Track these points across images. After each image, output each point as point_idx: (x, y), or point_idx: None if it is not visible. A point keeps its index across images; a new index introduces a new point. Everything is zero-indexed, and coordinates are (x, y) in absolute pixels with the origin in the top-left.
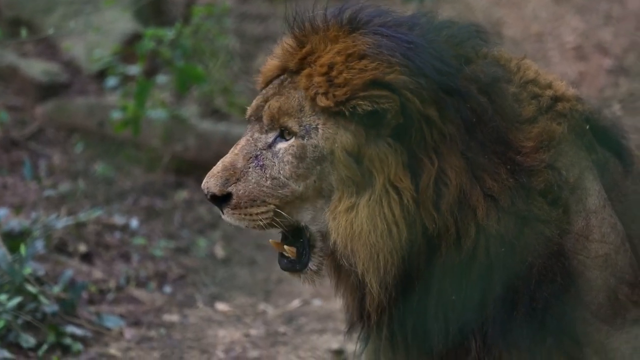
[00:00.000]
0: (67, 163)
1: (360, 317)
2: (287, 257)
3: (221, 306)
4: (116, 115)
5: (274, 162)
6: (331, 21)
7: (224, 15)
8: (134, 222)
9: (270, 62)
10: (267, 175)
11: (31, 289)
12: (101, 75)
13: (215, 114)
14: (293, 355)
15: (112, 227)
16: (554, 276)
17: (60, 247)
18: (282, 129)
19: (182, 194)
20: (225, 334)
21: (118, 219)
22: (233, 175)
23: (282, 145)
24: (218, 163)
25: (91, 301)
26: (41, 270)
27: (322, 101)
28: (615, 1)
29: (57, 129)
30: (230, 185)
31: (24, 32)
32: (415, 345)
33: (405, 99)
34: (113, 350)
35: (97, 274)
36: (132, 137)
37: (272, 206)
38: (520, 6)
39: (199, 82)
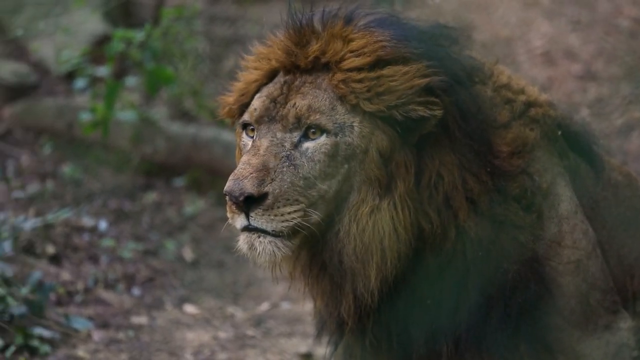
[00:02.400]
0: (36, 164)
1: (340, 320)
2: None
3: (190, 309)
4: (85, 116)
5: (303, 162)
6: (333, 19)
7: (194, 17)
8: (103, 224)
9: (258, 64)
10: (300, 175)
11: None
12: (70, 76)
13: (185, 116)
14: (261, 359)
15: (80, 229)
16: (527, 282)
17: (28, 249)
18: (312, 127)
19: (151, 196)
20: (194, 337)
21: (87, 221)
22: (267, 175)
23: (310, 144)
24: (242, 166)
25: (59, 303)
26: (9, 271)
27: (368, 106)
28: (584, 7)
29: (26, 130)
30: (266, 186)
31: None
32: (393, 348)
33: (445, 104)
34: (81, 352)
35: (66, 275)
36: (101, 138)
37: (302, 205)
38: (489, 11)
39: (168, 84)
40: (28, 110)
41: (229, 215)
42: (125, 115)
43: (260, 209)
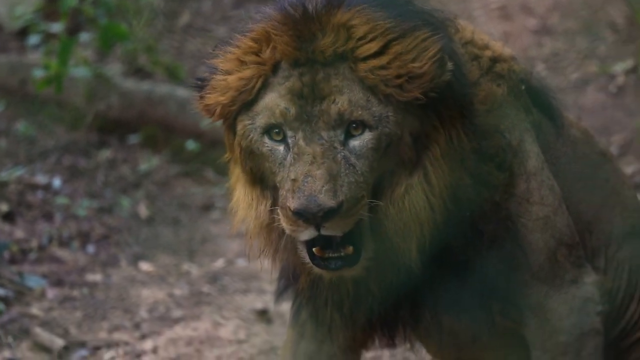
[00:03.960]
0: None
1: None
2: (337, 257)
3: (145, 266)
4: (38, 73)
5: (356, 160)
6: (326, 6)
7: None
8: (57, 182)
9: (253, 58)
10: (359, 172)
11: None
12: (23, 33)
13: (139, 72)
14: (217, 315)
15: (34, 187)
16: (503, 242)
17: None
18: (355, 122)
19: (106, 153)
20: (149, 294)
21: (40, 178)
22: (336, 182)
23: (356, 142)
24: (306, 179)
25: (13, 261)
26: None
27: (403, 96)
28: None
29: None
30: (339, 194)
31: None
32: (375, 312)
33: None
34: (35, 310)
35: (19, 233)
36: (54, 95)
37: (365, 199)
38: None
39: (123, 40)
40: None
41: (289, 228)
42: (79, 71)
43: (337, 217)
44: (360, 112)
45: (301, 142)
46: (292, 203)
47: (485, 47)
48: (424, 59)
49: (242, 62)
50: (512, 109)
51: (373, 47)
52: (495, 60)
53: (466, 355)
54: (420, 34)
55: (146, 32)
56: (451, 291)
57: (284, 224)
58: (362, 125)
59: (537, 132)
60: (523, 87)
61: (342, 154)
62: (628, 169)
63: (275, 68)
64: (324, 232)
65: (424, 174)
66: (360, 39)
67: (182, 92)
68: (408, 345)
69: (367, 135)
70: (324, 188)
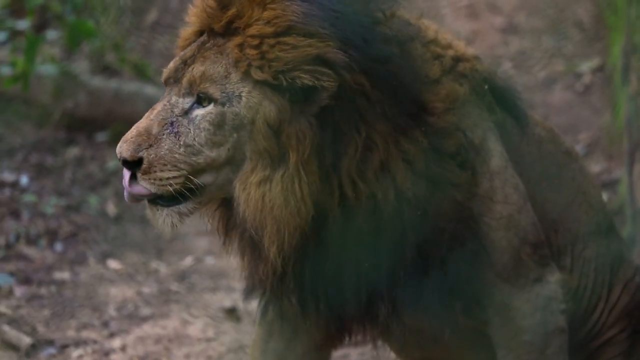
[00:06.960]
0: None
1: (259, 282)
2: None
3: (113, 264)
4: (5, 70)
5: (190, 129)
6: None
7: None
8: (24, 179)
9: (187, 27)
10: (181, 143)
11: None
12: None
13: (107, 70)
14: (186, 314)
15: (1, 184)
16: (464, 240)
17: None
18: (201, 94)
19: (73, 151)
20: (117, 292)
21: (7, 176)
22: (146, 140)
23: (199, 112)
24: (133, 128)
25: None
26: None
27: (258, 74)
28: None
29: None
30: (142, 151)
31: None
32: (321, 311)
33: (343, 79)
34: (3, 308)
35: None
36: (21, 93)
37: (184, 172)
38: None
39: (90, 38)
40: None
41: None
42: (46, 69)
43: (139, 172)
44: (207, 85)
45: (160, 98)
46: None
47: (448, 46)
48: (292, 53)
49: (184, 38)
50: (475, 107)
51: (264, 29)
52: (458, 59)
53: (430, 355)
54: (314, 40)
55: (114, 29)
56: (413, 289)
57: None
58: (209, 99)
59: (501, 131)
60: (486, 87)
61: (174, 119)
62: (595, 168)
63: (201, 35)
64: (139, 181)
65: (289, 175)
66: (262, 19)
67: (150, 89)
68: (371, 344)
69: (210, 109)
70: (131, 139)
